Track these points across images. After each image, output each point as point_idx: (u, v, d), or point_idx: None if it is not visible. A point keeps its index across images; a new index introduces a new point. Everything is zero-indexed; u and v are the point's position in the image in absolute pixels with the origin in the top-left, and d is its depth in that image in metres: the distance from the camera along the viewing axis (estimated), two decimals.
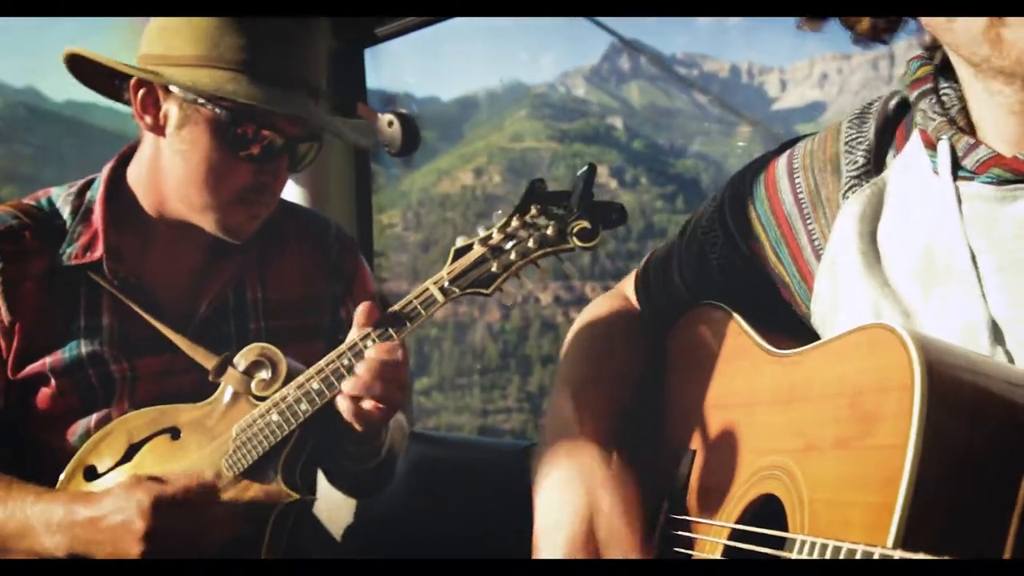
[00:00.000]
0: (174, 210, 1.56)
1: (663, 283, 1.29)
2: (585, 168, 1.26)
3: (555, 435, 1.14)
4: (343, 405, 1.38)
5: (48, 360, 1.50)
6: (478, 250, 1.34)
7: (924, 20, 0.87)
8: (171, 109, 1.49)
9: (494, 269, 1.33)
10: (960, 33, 0.81)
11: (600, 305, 1.36)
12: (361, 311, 1.40)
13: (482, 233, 1.34)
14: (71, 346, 1.51)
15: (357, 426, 1.41)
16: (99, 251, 1.53)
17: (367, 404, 1.37)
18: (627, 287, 1.37)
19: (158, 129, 1.52)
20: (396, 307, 1.38)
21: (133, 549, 1.31)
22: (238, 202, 1.52)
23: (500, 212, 1.33)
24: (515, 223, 1.31)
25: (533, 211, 1.30)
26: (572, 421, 1.15)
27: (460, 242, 1.36)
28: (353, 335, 1.40)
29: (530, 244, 1.30)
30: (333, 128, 1.57)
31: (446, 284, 1.35)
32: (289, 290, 1.68)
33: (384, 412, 1.39)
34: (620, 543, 1.01)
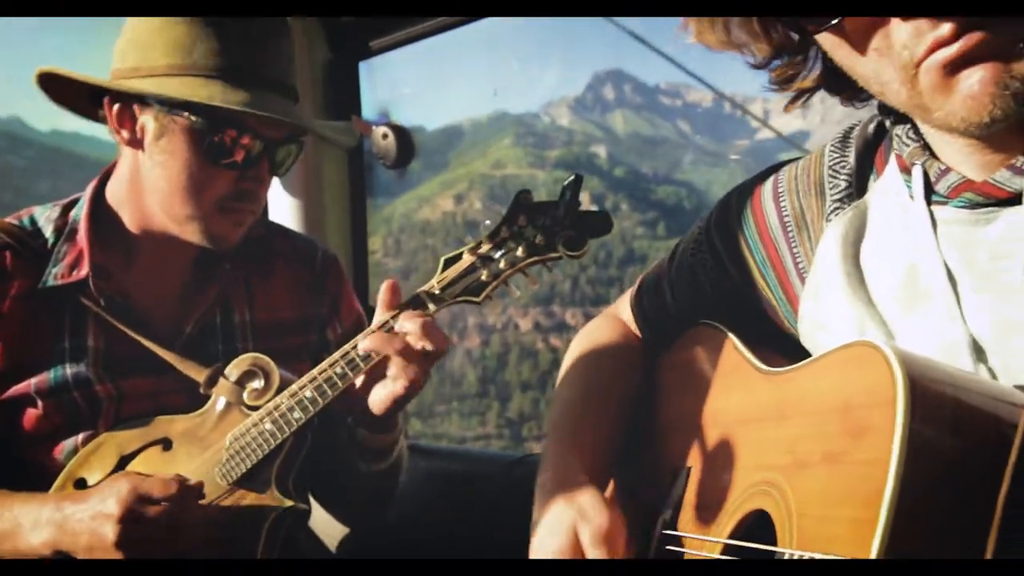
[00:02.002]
0: (157, 224, 1.55)
1: (656, 305, 1.31)
2: (571, 178, 1.28)
3: (549, 475, 1.16)
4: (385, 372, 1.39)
5: (33, 382, 1.48)
6: (468, 259, 1.35)
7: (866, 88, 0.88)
8: (147, 121, 1.48)
9: (484, 277, 1.34)
10: (894, 101, 0.82)
11: (595, 329, 1.37)
12: (385, 289, 1.40)
13: (471, 243, 1.36)
14: (56, 367, 1.49)
15: (384, 404, 1.40)
16: (85, 270, 1.51)
17: (394, 372, 1.37)
18: (622, 310, 1.38)
19: (136, 143, 1.50)
20: (388, 315, 1.39)
21: (108, 533, 1.31)
22: (221, 211, 1.51)
23: (488, 222, 1.35)
24: (503, 233, 1.33)
25: (521, 221, 1.32)
26: (566, 462, 1.17)
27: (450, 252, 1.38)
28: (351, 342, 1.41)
29: (518, 253, 1.32)
30: (312, 128, 1.56)
31: (436, 292, 1.37)
32: (277, 311, 1.67)
33: (409, 387, 1.38)
34: (604, 542, 1.04)
